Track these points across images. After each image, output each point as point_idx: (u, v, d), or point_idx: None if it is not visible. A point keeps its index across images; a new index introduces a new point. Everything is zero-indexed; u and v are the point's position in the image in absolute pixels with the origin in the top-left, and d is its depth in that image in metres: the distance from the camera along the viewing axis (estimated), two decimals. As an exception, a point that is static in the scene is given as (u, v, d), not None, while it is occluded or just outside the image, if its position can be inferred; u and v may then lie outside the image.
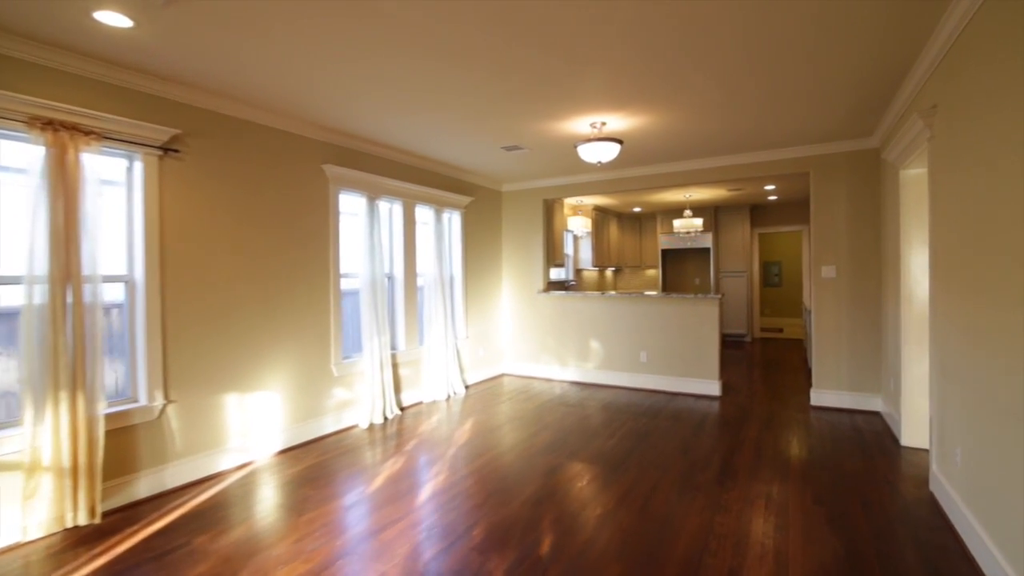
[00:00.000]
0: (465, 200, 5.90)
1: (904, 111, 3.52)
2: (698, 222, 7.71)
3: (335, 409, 4.33)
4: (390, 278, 5.11)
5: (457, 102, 3.53)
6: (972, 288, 2.36)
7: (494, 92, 3.35)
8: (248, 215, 3.66)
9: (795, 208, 9.16)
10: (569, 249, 8.89)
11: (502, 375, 6.64)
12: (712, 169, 5.37)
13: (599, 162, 4.00)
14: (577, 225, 8.10)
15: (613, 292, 6.19)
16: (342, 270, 4.57)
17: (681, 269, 10.35)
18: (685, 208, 8.21)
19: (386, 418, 4.66)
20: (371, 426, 4.46)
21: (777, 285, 12.05)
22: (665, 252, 10.28)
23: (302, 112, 3.74)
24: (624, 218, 10.39)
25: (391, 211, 5.11)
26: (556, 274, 8.43)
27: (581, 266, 8.94)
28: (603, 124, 3.98)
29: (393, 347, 5.10)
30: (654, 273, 10.43)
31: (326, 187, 4.25)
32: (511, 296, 6.68)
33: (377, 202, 4.65)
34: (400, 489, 3.12)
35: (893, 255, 4.04)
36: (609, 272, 10.71)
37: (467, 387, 5.93)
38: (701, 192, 7.70)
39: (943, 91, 2.74)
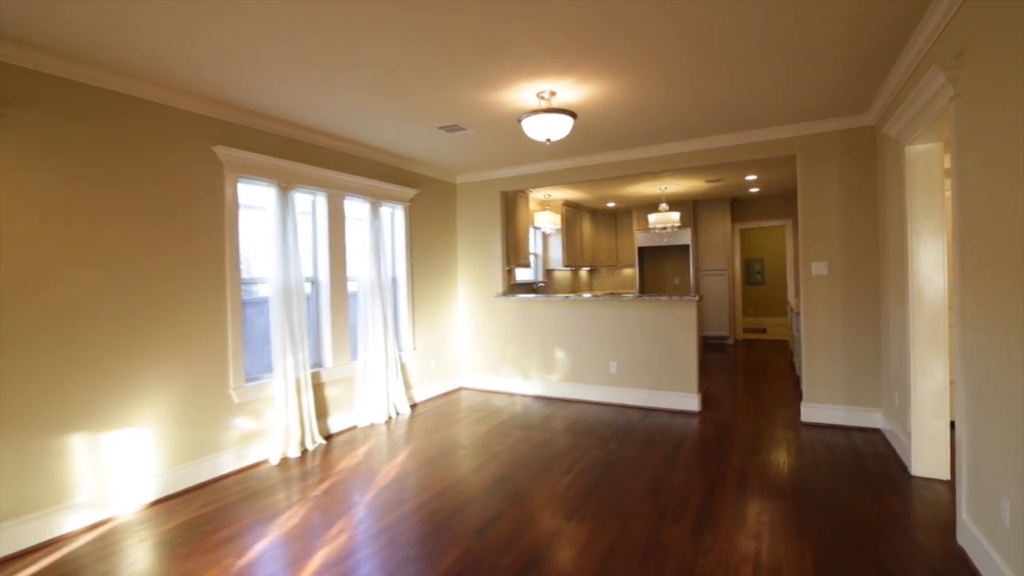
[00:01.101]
0: (409, 192, 5.18)
1: (915, 69, 2.90)
2: (675, 216, 7.09)
3: (237, 443, 3.57)
4: (313, 283, 4.36)
5: (369, 67, 2.82)
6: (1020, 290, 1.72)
7: (411, 52, 2.64)
8: (105, 207, 2.89)
9: (778, 201, 8.60)
10: (537, 248, 8.21)
11: (459, 389, 5.92)
12: (686, 154, 4.73)
13: (548, 140, 3.31)
14: (545, 221, 7.42)
15: (580, 295, 5.52)
16: (247, 274, 3.81)
17: (659, 268, 9.74)
18: (661, 202, 7.61)
19: (306, 450, 3.92)
20: (284, 461, 3.72)
21: (760, 283, 11.54)
22: (642, 250, 9.66)
23: (181, 80, 2.98)
24: (598, 214, 9.75)
25: (314, 204, 4.36)
26: (523, 275, 7.74)
27: (552, 266, 8.27)
28: (552, 94, 3.30)
29: (318, 364, 4.35)
30: (631, 273, 9.81)
31: (219, 174, 3.49)
32: (468, 301, 5.97)
33: (292, 193, 3.91)
34: (287, 557, 2.39)
35: (896, 248, 3.43)
36: (584, 272, 10.06)
37: (415, 406, 5.20)
38: (678, 184, 7.08)
39: (972, 34, 2.10)
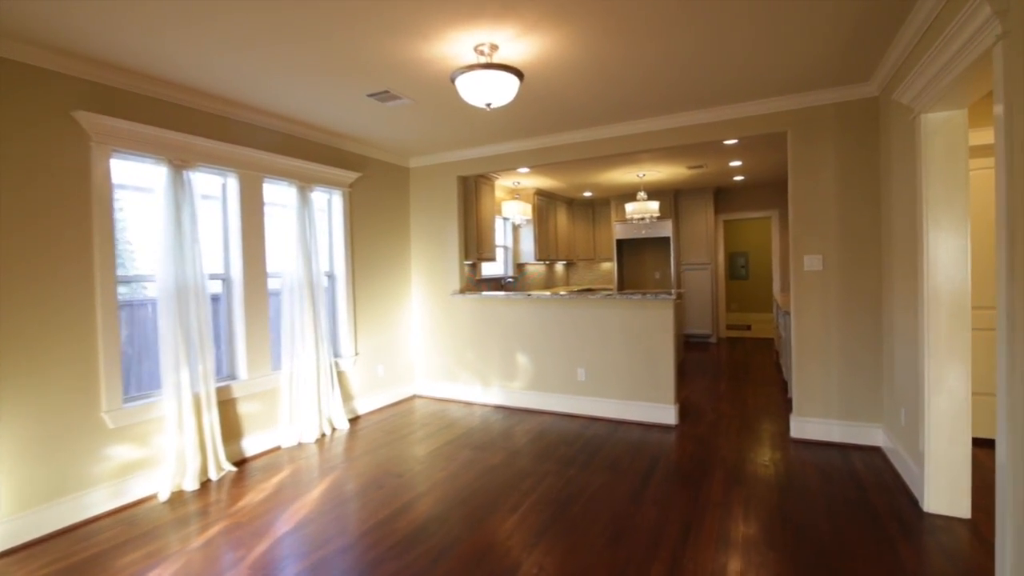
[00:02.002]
0: (349, 176, 4.52)
1: (936, 15, 2.33)
2: (654, 206, 6.52)
3: (113, 477, 2.92)
4: (225, 281, 3.70)
5: (266, 10, 2.17)
6: None
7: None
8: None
9: (764, 191, 8.09)
10: (507, 240, 7.60)
11: (412, 398, 5.31)
12: (662, 132, 4.14)
13: (488, 105, 2.69)
14: (514, 212, 6.81)
15: (545, 292, 4.93)
16: (131, 271, 3.14)
17: (639, 261, 9.20)
18: (639, 190, 7.05)
19: (208, 480, 3.28)
20: (178, 495, 3.07)
21: (744, 278, 11.10)
22: (621, 243, 9.10)
23: (23, 24, 2.30)
24: (575, 205, 9.17)
25: (224, 187, 3.69)
26: (491, 269, 7.13)
27: (523, 260, 7.67)
28: (493, 48, 2.67)
29: (231, 375, 3.70)
30: (610, 267, 9.25)
31: (84, 146, 2.81)
32: (422, 300, 5.34)
33: (188, 173, 3.24)
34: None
35: (904, 239, 2.88)
36: (560, 266, 9.48)
37: (356, 419, 4.57)
38: (657, 171, 6.51)
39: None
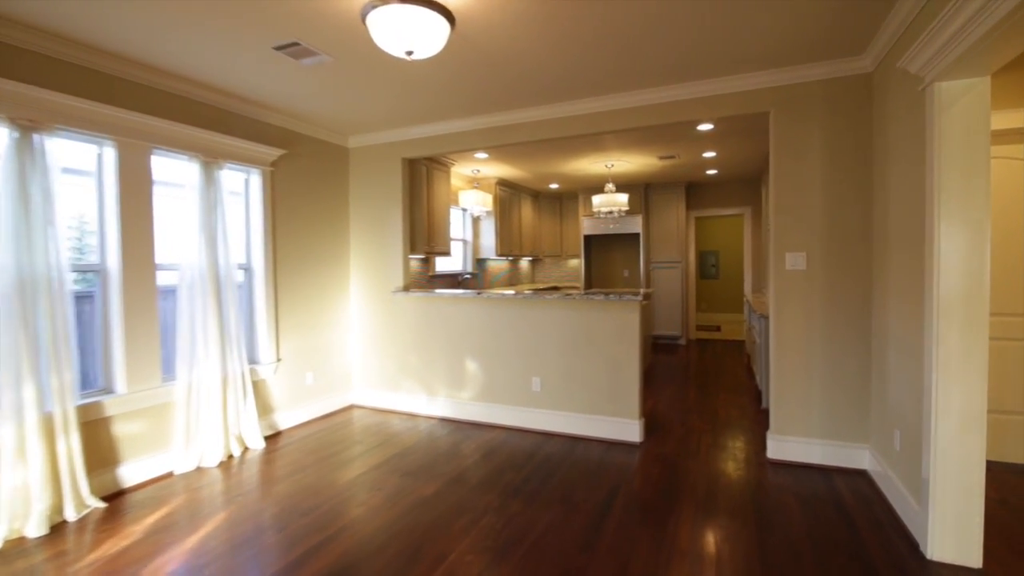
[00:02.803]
0: (271, 153, 3.88)
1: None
2: (622, 198, 6.06)
3: (-82, 526, 2.26)
4: (99, 273, 3.03)
5: None
6: None
7: None
8: None
9: (737, 187, 7.75)
10: (466, 233, 7.04)
11: (350, 408, 4.71)
12: (630, 111, 3.64)
13: (410, 54, 2.13)
14: (473, 202, 6.25)
15: (498, 291, 4.40)
16: (-47, 258, 2.47)
17: (608, 259, 8.77)
18: (608, 182, 6.58)
19: (64, 522, 2.63)
20: (15, 544, 2.42)
21: (714, 277, 10.82)
22: (589, 239, 8.65)
23: None
24: (541, 198, 8.66)
25: (100, 159, 3.01)
26: (447, 264, 6.56)
27: (484, 255, 7.12)
28: (417, -18, 2.11)
29: (107, 389, 3.04)
30: (578, 264, 8.78)
31: None
32: (362, 297, 4.74)
33: (40, 137, 2.57)
34: None
35: (905, 234, 2.45)
36: (525, 263, 8.97)
37: (276, 435, 3.95)
38: (626, 160, 6.05)
39: None
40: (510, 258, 7.68)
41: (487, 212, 6.65)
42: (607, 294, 3.64)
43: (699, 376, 5.78)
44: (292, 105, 3.76)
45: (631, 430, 3.68)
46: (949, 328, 2.12)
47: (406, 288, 4.53)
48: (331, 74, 3.16)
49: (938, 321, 2.14)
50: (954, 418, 2.13)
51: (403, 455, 3.54)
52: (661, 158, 5.91)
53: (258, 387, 3.87)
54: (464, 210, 6.72)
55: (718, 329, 9.37)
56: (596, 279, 8.82)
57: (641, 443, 3.66)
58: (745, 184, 7.68)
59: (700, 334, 8.77)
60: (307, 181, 4.29)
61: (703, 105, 3.43)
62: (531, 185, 7.82)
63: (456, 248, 6.90)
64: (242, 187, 3.89)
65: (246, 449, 3.63)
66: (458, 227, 6.97)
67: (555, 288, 8.54)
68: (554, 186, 7.94)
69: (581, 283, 8.36)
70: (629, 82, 3.38)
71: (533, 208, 8.40)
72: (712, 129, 4.61)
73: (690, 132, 4.74)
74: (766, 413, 4.27)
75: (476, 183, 6.76)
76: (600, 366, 3.76)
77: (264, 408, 3.92)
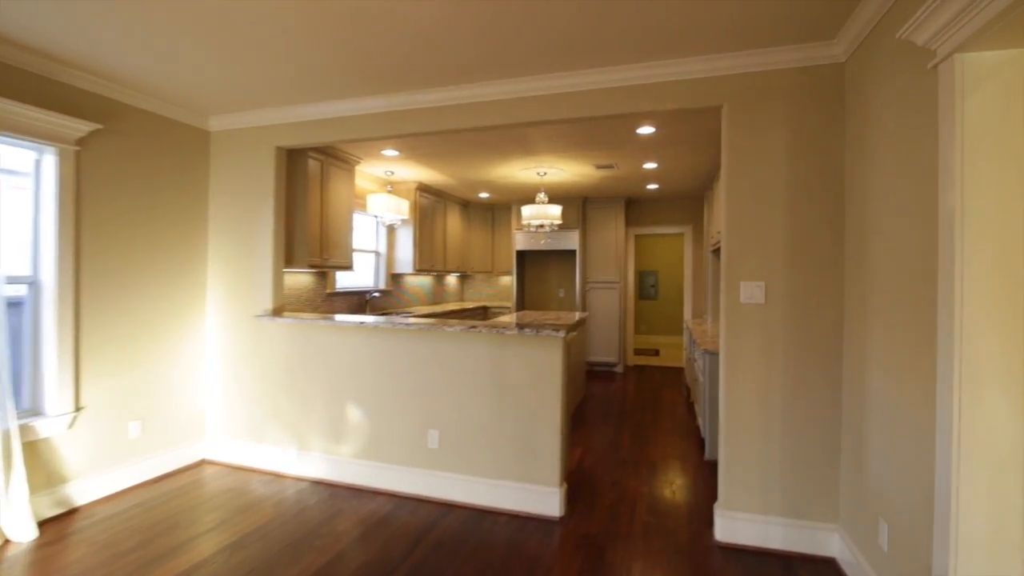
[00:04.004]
0: (77, 128, 2.85)
1: None
2: (555, 211, 5.36)
3: None
4: None
5: None
6: None
7: None
8: None
9: (678, 204, 7.30)
10: (378, 244, 6.11)
11: (200, 464, 3.65)
12: (559, 97, 2.92)
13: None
14: (384, 207, 5.35)
15: (393, 318, 3.51)
16: None
17: (542, 277, 8.08)
18: (540, 191, 5.88)
19: None
20: None
21: (653, 298, 10.41)
22: (522, 255, 7.93)
23: None
24: (472, 208, 7.88)
25: None
26: (352, 280, 5.62)
27: (400, 269, 6.21)
28: None
29: None
30: (511, 281, 8.04)
31: None
32: (221, 321, 3.71)
33: None
34: None
35: (903, 265, 1.83)
36: (452, 279, 8.12)
37: (71, 512, 2.85)
38: (560, 168, 5.37)
39: None
40: (433, 273, 6.81)
41: (401, 220, 5.77)
42: (522, 327, 2.85)
43: (636, 412, 5.12)
44: (109, 63, 2.75)
45: (550, 502, 2.89)
46: (976, 388, 1.48)
47: (276, 311, 3.56)
48: (160, 12, 2.22)
49: (959, 389, 1.49)
50: (980, 517, 1.48)
51: (257, 536, 2.58)
52: (599, 167, 5.28)
53: (38, 449, 2.77)
54: (374, 216, 5.80)
55: (656, 353, 8.89)
56: (530, 299, 8.10)
57: (561, 518, 2.87)
58: (687, 202, 7.24)
59: (638, 359, 8.22)
60: (140, 169, 3.26)
61: (643, 95, 2.76)
62: (458, 193, 7.02)
63: (367, 261, 5.96)
64: (33, 169, 2.82)
65: (6, 542, 2.53)
66: (370, 236, 6.04)
67: (484, 308, 7.75)
68: (484, 195, 7.17)
69: (512, 303, 7.60)
70: (553, 62, 2.66)
71: (462, 219, 7.60)
72: (653, 133, 4.00)
73: (630, 137, 4.11)
74: (712, 467, 3.63)
75: (389, 186, 5.87)
76: (513, 418, 2.96)
77: (51, 477, 2.82)
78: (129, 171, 3.19)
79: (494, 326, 2.87)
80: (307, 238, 4.01)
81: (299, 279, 4.62)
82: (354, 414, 3.32)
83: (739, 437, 2.61)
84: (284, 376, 3.51)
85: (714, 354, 3.68)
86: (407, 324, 3.03)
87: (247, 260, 3.62)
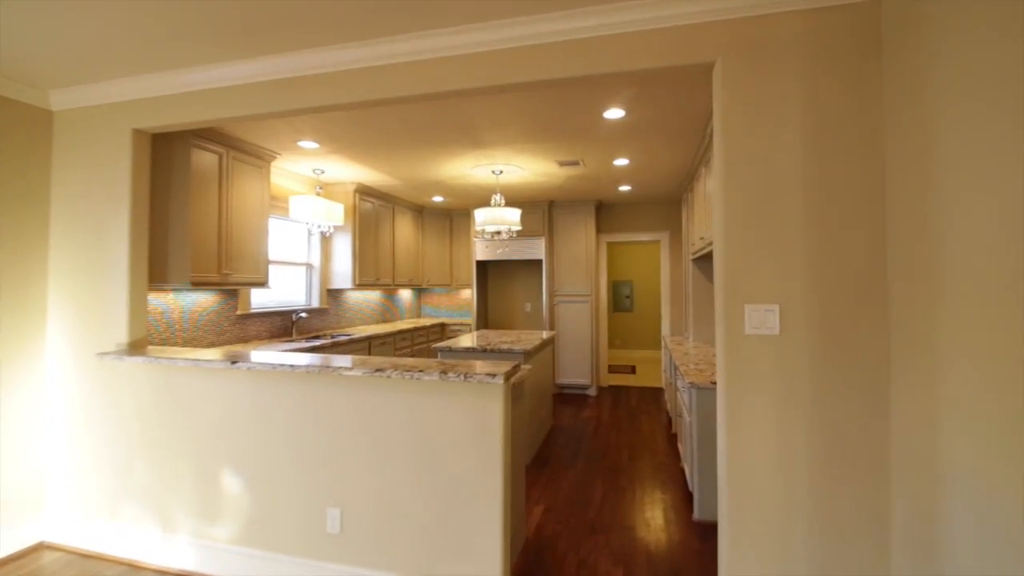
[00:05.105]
0: None
1: None
2: (512, 215, 4.61)
3: None
4: None
5: None
6: None
7: None
8: None
9: (652, 208, 6.66)
10: (310, 255, 5.26)
11: (38, 549, 2.74)
12: (492, 56, 2.17)
13: None
14: (310, 212, 4.52)
15: (274, 359, 2.66)
16: None
17: (507, 290, 7.32)
18: (495, 193, 5.09)
19: None
20: None
21: (628, 310, 9.76)
22: (483, 265, 7.17)
23: None
24: (428, 214, 7.08)
25: None
26: (271, 298, 4.77)
27: (337, 284, 5.36)
28: None
29: None
30: (471, 295, 7.25)
31: None
32: (65, 360, 2.82)
33: None
34: None
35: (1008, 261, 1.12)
36: (407, 294, 7.29)
37: None
38: (517, 164, 4.64)
39: None
40: (380, 288, 5.97)
41: (334, 228, 4.94)
42: (445, 372, 2.05)
43: (611, 450, 4.37)
44: None
45: (489, 609, 2.09)
46: None
47: (135, 346, 2.69)
48: None
49: None
50: None
51: None
52: (563, 164, 4.56)
53: None
54: (304, 224, 4.95)
55: (633, 371, 8.19)
56: (493, 314, 7.32)
57: (506, 634, 2.08)
58: (663, 206, 6.60)
59: (613, 378, 7.50)
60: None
61: (607, 51, 2.03)
62: (409, 197, 6.22)
63: (297, 275, 5.10)
64: None
65: None
66: (301, 246, 5.19)
67: (442, 325, 6.94)
68: (438, 199, 6.39)
69: (473, 320, 6.81)
70: (490, 2, 1.92)
71: (415, 226, 6.79)
72: (623, 119, 3.30)
73: (594, 124, 3.40)
74: (704, 531, 2.89)
75: (319, 187, 5.03)
76: (439, 493, 2.16)
77: None
78: (-92, 159, 2.31)
79: (410, 369, 2.07)
80: (189, 249, 3.15)
81: (196, 299, 3.75)
82: (231, 485, 2.47)
83: (747, 506, 1.87)
84: (143, 433, 2.63)
85: (703, 389, 2.96)
86: (292, 366, 2.21)
87: (98, 279, 2.75)
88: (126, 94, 2.70)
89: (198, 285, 3.26)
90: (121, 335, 2.68)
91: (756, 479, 1.86)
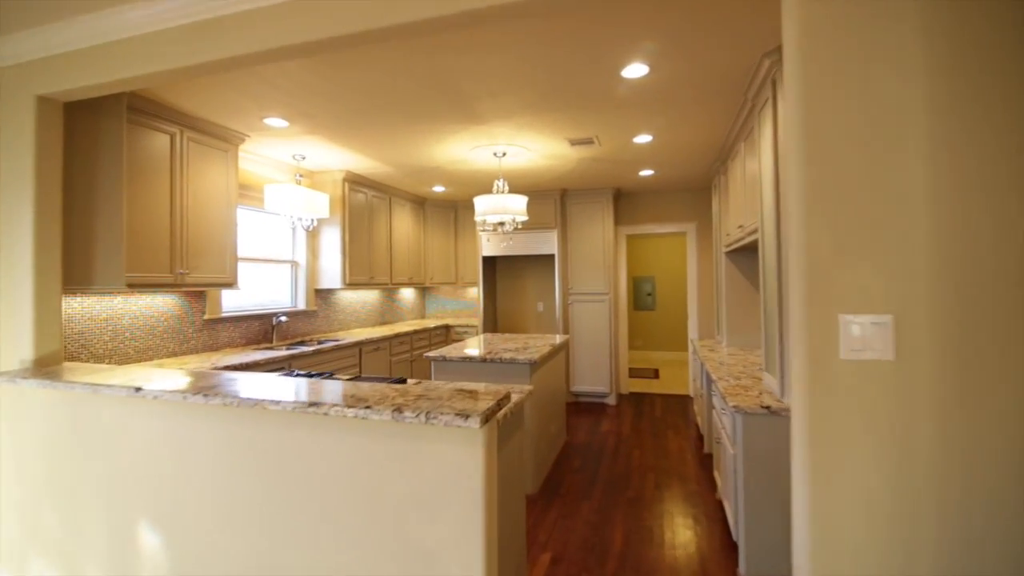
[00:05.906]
0: None
1: None
2: (516, 203, 4.02)
3: None
4: None
5: None
6: None
7: None
8: None
9: (678, 196, 5.99)
10: (295, 252, 4.75)
11: (-70, 612, 2.26)
12: (469, -25, 1.58)
13: None
14: (291, 203, 4.00)
15: (192, 392, 2.13)
16: None
17: (517, 288, 6.73)
18: (498, 178, 4.48)
19: None
20: None
21: (650, 308, 9.09)
22: (491, 261, 6.60)
23: None
24: (430, 206, 6.53)
25: None
26: (246, 300, 4.27)
27: (326, 284, 4.84)
28: None
29: None
30: (478, 294, 6.68)
31: None
32: (-32, 377, 2.33)
33: None
34: None
35: None
36: (409, 293, 6.76)
37: None
38: (521, 144, 4.04)
39: None
40: (375, 288, 5.45)
41: (317, 221, 4.41)
42: (400, 410, 1.46)
43: (633, 476, 3.76)
44: None
45: None
46: None
47: (43, 363, 2.18)
48: None
49: None
50: None
51: None
52: (575, 143, 3.94)
53: None
54: (288, 217, 4.44)
55: (656, 375, 7.54)
56: (503, 315, 6.74)
57: None
58: (690, 193, 5.93)
59: (634, 384, 6.86)
60: None
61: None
62: (407, 187, 5.68)
63: (281, 274, 4.60)
64: None
65: None
66: (285, 242, 4.69)
67: (447, 327, 6.40)
68: (440, 189, 5.83)
69: (480, 322, 6.24)
70: None
71: (415, 220, 6.24)
72: (647, 77, 2.67)
73: (611, 88, 2.78)
74: (753, 598, 2.27)
75: (299, 175, 4.50)
76: (398, 570, 1.59)
77: None
78: None
79: (354, 404, 1.50)
80: (124, 244, 2.64)
81: (151, 303, 3.25)
82: (150, 545, 1.94)
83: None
84: (49, 473, 2.13)
85: (752, 415, 2.34)
86: (218, 399, 1.66)
87: (7, 284, 2.25)
88: (25, 52, 2.18)
89: (137, 287, 2.75)
90: (25, 350, 2.18)
91: (855, 548, 1.25)
